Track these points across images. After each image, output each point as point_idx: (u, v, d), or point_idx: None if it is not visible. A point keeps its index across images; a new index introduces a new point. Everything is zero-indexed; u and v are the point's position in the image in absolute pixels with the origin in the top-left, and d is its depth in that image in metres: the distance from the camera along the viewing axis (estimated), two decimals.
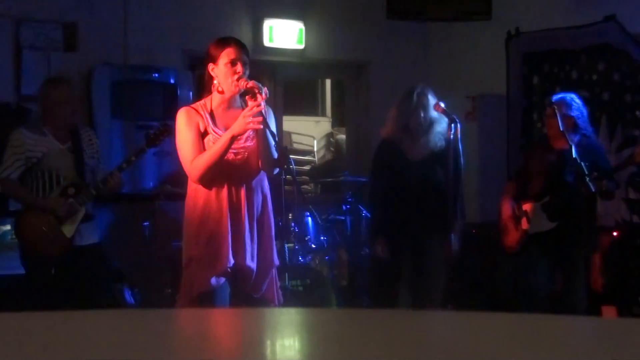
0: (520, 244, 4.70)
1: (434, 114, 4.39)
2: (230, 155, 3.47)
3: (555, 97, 4.72)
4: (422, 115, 4.40)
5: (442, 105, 4.33)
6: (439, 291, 4.44)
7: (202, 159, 3.44)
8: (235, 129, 3.38)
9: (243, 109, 3.52)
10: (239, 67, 3.44)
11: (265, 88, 3.43)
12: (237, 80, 3.43)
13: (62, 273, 4.25)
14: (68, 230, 4.25)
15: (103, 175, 4.32)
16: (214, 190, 3.48)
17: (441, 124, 4.40)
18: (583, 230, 4.62)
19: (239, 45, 3.50)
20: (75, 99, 4.42)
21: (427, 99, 4.41)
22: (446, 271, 4.46)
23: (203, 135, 3.50)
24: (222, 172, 3.47)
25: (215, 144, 3.44)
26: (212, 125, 3.49)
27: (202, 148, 3.48)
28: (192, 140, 3.48)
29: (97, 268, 4.36)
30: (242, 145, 3.50)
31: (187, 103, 3.85)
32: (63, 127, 4.34)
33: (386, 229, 4.51)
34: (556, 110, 4.54)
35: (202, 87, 3.61)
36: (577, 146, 4.46)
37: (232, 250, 3.47)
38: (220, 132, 3.49)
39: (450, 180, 4.33)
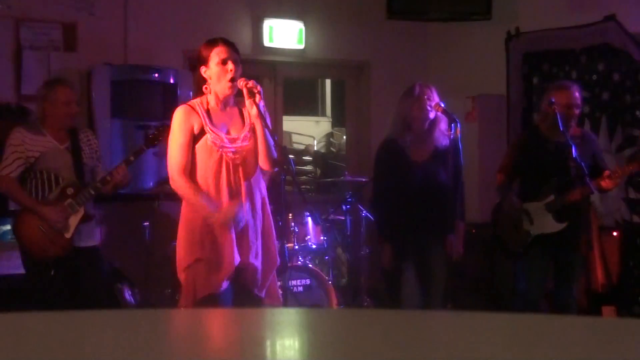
0: (523, 246, 4.53)
1: (436, 111, 4.33)
2: (228, 155, 3.48)
3: (559, 83, 4.62)
4: (422, 111, 4.34)
5: (442, 105, 4.31)
6: (440, 292, 4.39)
7: (186, 190, 3.48)
8: (216, 217, 3.42)
9: (238, 107, 3.55)
10: (230, 66, 3.46)
11: (259, 86, 3.44)
12: (231, 79, 3.45)
13: (60, 274, 4.24)
14: (67, 231, 4.25)
15: (102, 175, 4.33)
16: (215, 188, 3.49)
17: (443, 123, 4.35)
18: (587, 230, 4.53)
19: (228, 44, 3.52)
20: (75, 101, 4.41)
21: (428, 96, 4.34)
22: (447, 272, 4.41)
23: (200, 134, 3.50)
24: (221, 172, 3.48)
25: (199, 201, 3.45)
26: (209, 124, 3.50)
27: (190, 153, 3.49)
28: (183, 145, 3.49)
29: (95, 270, 4.36)
30: (239, 145, 3.51)
31: None
32: (62, 127, 4.35)
33: (391, 234, 4.46)
34: (579, 102, 4.43)
35: (197, 89, 3.61)
36: (579, 138, 4.34)
37: (237, 249, 3.48)
38: (216, 130, 3.50)
39: (452, 181, 4.29)
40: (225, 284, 3.48)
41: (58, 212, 4.22)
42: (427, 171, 4.37)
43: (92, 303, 4.18)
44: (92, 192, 4.28)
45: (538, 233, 4.49)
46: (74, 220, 4.27)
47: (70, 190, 4.28)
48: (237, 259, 3.47)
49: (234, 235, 3.47)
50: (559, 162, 4.42)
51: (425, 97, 4.34)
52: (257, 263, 3.53)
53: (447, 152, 4.30)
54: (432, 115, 4.34)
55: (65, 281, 4.26)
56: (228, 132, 3.54)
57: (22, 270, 4.44)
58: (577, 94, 4.47)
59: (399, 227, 4.42)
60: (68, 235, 4.25)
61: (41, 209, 4.22)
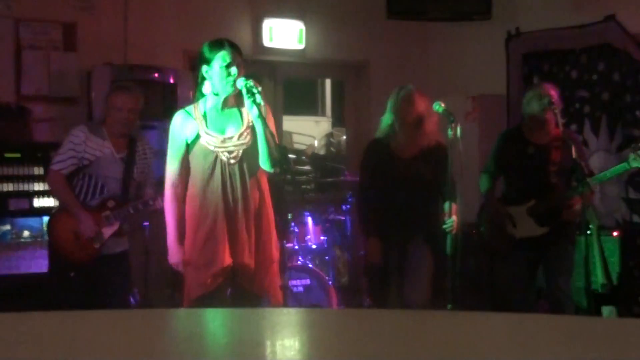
0: (508, 248, 4.57)
1: (421, 112, 4.40)
2: (224, 154, 3.49)
3: (533, 84, 4.64)
4: (405, 112, 4.40)
5: (442, 105, 4.32)
6: (424, 290, 4.41)
7: (166, 205, 3.59)
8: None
9: (238, 107, 3.55)
10: (233, 70, 3.46)
11: (259, 86, 3.44)
12: (233, 82, 3.45)
13: (81, 278, 4.24)
14: (97, 241, 4.24)
15: (147, 198, 4.30)
16: (210, 189, 3.50)
17: (432, 123, 4.41)
18: (571, 231, 4.54)
19: (233, 47, 3.51)
20: (133, 109, 4.32)
21: (411, 97, 4.41)
22: (432, 271, 4.42)
23: (195, 138, 3.51)
24: (214, 173, 3.49)
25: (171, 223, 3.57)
26: (204, 128, 3.51)
27: (183, 162, 3.55)
28: (175, 156, 3.56)
29: (115, 276, 4.32)
30: (234, 143, 3.51)
31: (187, 103, 3.86)
32: (120, 134, 4.31)
33: (376, 228, 4.51)
34: (552, 94, 4.41)
35: (196, 88, 3.62)
36: (560, 140, 4.32)
37: (229, 248, 3.48)
38: (211, 131, 3.50)
39: (438, 179, 4.33)
40: (215, 284, 3.49)
41: (94, 221, 4.21)
42: (412, 167, 4.43)
43: (107, 307, 4.17)
44: (131, 212, 4.28)
45: (521, 237, 4.53)
46: (106, 233, 4.26)
47: (111, 203, 4.26)
48: (228, 259, 3.47)
49: (226, 236, 3.48)
50: (539, 165, 4.46)
51: (407, 100, 4.42)
52: (251, 262, 3.52)
53: (434, 151, 4.38)
54: (412, 118, 4.40)
55: (85, 286, 4.24)
56: (225, 133, 3.54)
57: (22, 270, 4.44)
58: (551, 92, 4.46)
59: (382, 222, 4.47)
60: (97, 246, 4.24)
61: (80, 214, 4.19)
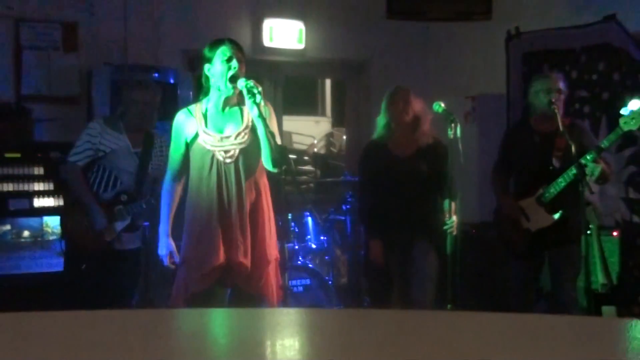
0: (525, 244, 4.52)
1: (416, 111, 4.46)
2: (220, 153, 3.50)
3: (540, 73, 4.61)
4: (401, 112, 4.46)
5: (442, 105, 4.32)
6: (427, 287, 4.42)
7: (164, 194, 3.69)
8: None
9: (240, 107, 3.56)
10: (234, 63, 3.49)
11: (259, 86, 3.46)
12: (233, 77, 3.47)
13: (93, 271, 4.26)
14: (109, 234, 4.26)
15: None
16: (206, 187, 3.51)
17: (427, 121, 4.47)
18: (576, 230, 4.50)
19: (233, 43, 3.56)
20: (149, 103, 4.36)
21: (405, 97, 4.48)
22: (436, 270, 4.43)
23: (195, 137, 3.53)
24: (211, 172, 3.50)
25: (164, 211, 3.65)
26: (203, 127, 3.53)
27: (183, 159, 3.62)
28: (176, 152, 3.63)
29: (126, 272, 4.36)
30: (232, 143, 3.52)
31: (187, 103, 3.88)
32: (136, 128, 4.34)
33: (377, 230, 4.52)
34: (560, 87, 4.40)
35: (200, 87, 3.65)
36: (567, 128, 4.26)
37: (223, 247, 3.48)
38: (210, 130, 3.52)
39: (436, 178, 4.36)
40: (208, 283, 3.50)
41: (105, 215, 4.23)
42: (410, 166, 4.47)
43: (121, 304, 4.19)
44: (144, 207, 4.30)
45: (536, 229, 4.49)
46: (118, 227, 4.28)
47: (124, 197, 4.29)
48: (221, 257, 3.48)
49: (220, 235, 3.49)
50: (543, 152, 4.44)
51: (402, 101, 4.48)
52: (246, 261, 3.52)
53: (432, 148, 4.45)
54: (409, 118, 4.48)
55: (97, 279, 4.26)
56: (223, 132, 3.55)
57: (22, 270, 4.45)
58: (559, 81, 4.46)
59: (383, 223, 4.50)
60: (108, 239, 4.26)
61: (91, 207, 4.23)
